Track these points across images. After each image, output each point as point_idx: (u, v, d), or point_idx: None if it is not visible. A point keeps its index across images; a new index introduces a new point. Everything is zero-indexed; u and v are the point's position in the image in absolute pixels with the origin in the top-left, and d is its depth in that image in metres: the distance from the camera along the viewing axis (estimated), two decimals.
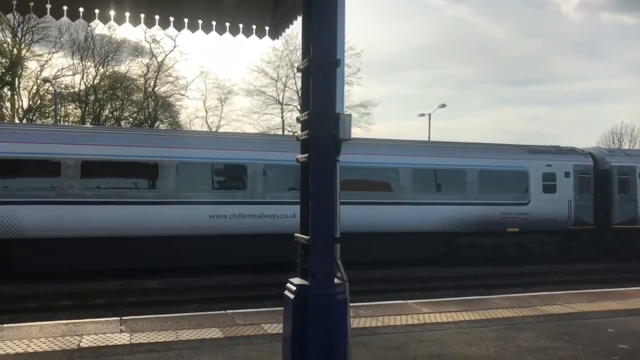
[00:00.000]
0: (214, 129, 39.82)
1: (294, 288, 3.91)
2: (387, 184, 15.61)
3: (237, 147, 14.41)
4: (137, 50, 39.09)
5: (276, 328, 5.97)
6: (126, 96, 39.85)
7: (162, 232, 13.04)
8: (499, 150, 17.55)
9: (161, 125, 40.01)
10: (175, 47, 39.32)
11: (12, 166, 12.52)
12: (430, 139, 30.72)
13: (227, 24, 5.14)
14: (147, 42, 38.50)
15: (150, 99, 40.03)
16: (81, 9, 4.62)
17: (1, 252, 12.22)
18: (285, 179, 14.09)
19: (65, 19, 4.68)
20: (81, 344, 5.57)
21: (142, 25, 4.90)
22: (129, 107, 40.65)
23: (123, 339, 5.79)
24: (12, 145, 12.41)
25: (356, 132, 38.19)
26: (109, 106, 39.81)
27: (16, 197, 12.24)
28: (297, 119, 4.33)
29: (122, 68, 39.04)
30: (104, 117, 38.59)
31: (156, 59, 39.41)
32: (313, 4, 4.04)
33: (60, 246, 12.35)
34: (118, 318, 6.70)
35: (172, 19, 4.96)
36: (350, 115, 4.29)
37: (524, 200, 16.93)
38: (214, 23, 5.09)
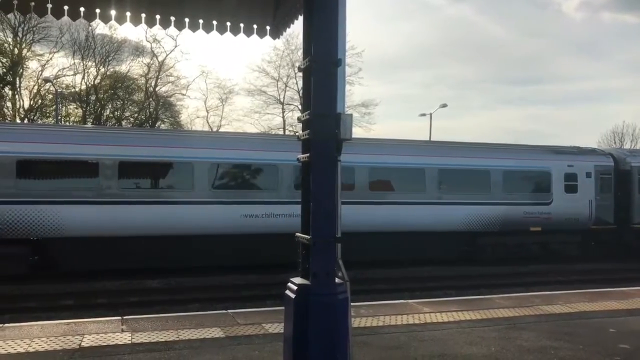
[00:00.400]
0: (215, 129, 39.87)
1: (295, 288, 3.91)
2: (414, 184, 15.84)
3: (269, 149, 14.65)
4: (138, 50, 39.21)
5: (277, 328, 5.97)
6: (127, 96, 39.90)
7: (196, 232, 13.30)
8: (522, 151, 17.82)
9: (162, 125, 40.05)
10: (176, 46, 39.53)
11: (54, 167, 12.84)
12: (432, 139, 30.71)
13: (228, 24, 5.14)
14: (148, 41, 38.62)
15: (151, 99, 40.07)
16: (82, 9, 4.62)
17: (45, 252, 12.56)
18: None
19: (66, 18, 4.68)
20: (82, 344, 5.57)
21: (143, 25, 4.90)
22: (130, 107, 40.72)
23: (124, 338, 5.79)
24: (54, 146, 12.69)
25: (357, 132, 38.19)
26: (110, 106, 39.87)
27: (58, 197, 12.49)
28: (298, 118, 4.33)
29: (123, 68, 39.18)
30: (104, 117, 38.63)
31: (157, 58, 39.52)
32: (314, 4, 4.03)
33: (99, 245, 12.61)
34: (119, 318, 6.71)
35: (173, 18, 4.96)
36: (351, 115, 4.28)
37: (546, 200, 17.15)
38: (214, 22, 5.08)
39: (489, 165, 16.55)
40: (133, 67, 39.37)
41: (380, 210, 15.05)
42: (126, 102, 40.22)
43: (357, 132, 38.13)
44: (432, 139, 29.87)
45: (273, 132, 37.97)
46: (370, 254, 14.30)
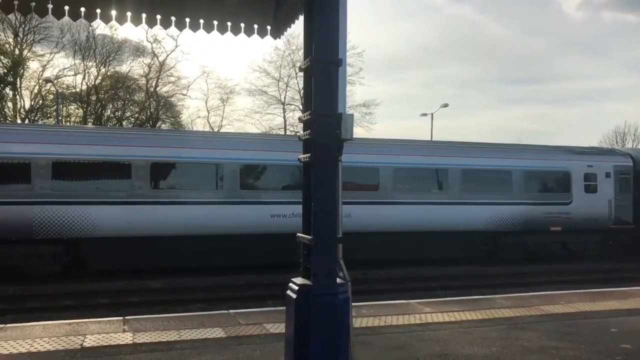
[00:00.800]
0: (216, 129, 39.88)
1: (296, 288, 3.92)
2: (437, 184, 16.04)
3: (293, 150, 14.79)
4: (138, 50, 39.19)
5: (278, 328, 5.97)
6: (128, 96, 39.90)
7: (224, 231, 13.45)
8: (543, 151, 17.97)
9: (163, 125, 40.06)
10: (176, 47, 39.33)
11: (87, 168, 12.97)
12: (433, 139, 30.70)
13: (229, 24, 5.14)
14: (149, 42, 38.60)
15: (152, 99, 40.08)
16: (83, 9, 4.62)
17: (76, 251, 12.80)
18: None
19: (66, 18, 4.69)
20: (84, 344, 5.58)
21: (144, 25, 4.90)
22: (131, 107, 40.72)
23: (126, 338, 5.80)
24: (87, 147, 12.93)
25: (358, 132, 38.20)
26: (110, 106, 39.87)
27: (91, 198, 12.76)
28: (300, 118, 4.32)
29: (123, 68, 39.18)
30: (105, 117, 38.65)
31: (158, 58, 39.50)
32: (314, 4, 4.03)
33: (130, 245, 12.79)
34: (121, 318, 6.72)
35: (173, 18, 4.97)
36: (352, 115, 4.28)
37: (566, 200, 17.29)
38: (215, 22, 5.09)
39: (510, 165, 16.73)
40: (134, 68, 39.45)
41: (404, 210, 15.25)
42: (127, 102, 40.23)
43: (358, 132, 38.15)
44: (433, 139, 29.87)
45: (274, 132, 37.99)
46: (393, 253, 14.69)
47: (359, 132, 38.01)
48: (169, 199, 13.40)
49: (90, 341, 5.67)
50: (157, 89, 39.99)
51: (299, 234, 4.17)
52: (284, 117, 40.29)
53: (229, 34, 5.20)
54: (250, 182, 14.44)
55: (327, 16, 4.00)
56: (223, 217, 13.59)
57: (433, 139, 29.52)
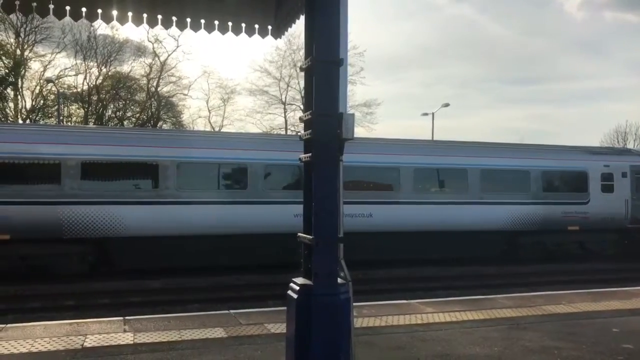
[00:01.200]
0: (217, 129, 39.89)
1: (297, 288, 3.91)
2: (457, 184, 16.20)
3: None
4: (139, 50, 39.19)
5: (279, 328, 5.97)
6: (129, 96, 39.93)
7: (250, 230, 13.62)
8: (560, 151, 18.12)
9: (164, 125, 40.08)
10: (177, 47, 39.29)
11: (113, 168, 13.19)
12: (434, 139, 30.67)
13: (230, 24, 5.13)
14: (150, 42, 38.61)
15: (153, 99, 40.09)
16: (84, 9, 4.62)
17: (103, 250, 13.01)
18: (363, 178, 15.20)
19: (67, 19, 4.68)
20: (85, 344, 5.58)
21: (145, 25, 4.90)
22: (132, 107, 40.75)
23: (127, 338, 5.80)
24: (114, 148, 13.12)
25: (359, 131, 38.18)
26: (111, 106, 39.92)
27: (117, 198, 12.95)
28: (300, 118, 4.32)
29: (124, 68, 39.17)
30: (106, 117, 38.68)
31: (159, 58, 39.52)
32: (315, 4, 4.02)
33: (156, 244, 12.95)
34: (122, 318, 6.71)
35: (174, 18, 4.96)
36: (353, 114, 4.26)
37: (583, 199, 17.42)
38: (216, 22, 5.08)
39: (528, 165, 16.88)
40: (135, 68, 39.44)
41: (423, 210, 15.44)
42: (128, 102, 40.25)
43: (359, 131, 38.14)
44: (434, 139, 29.84)
45: (275, 132, 37.98)
46: (412, 253, 14.84)
47: (360, 131, 38.02)
48: (195, 199, 13.58)
49: (91, 341, 5.67)
50: (158, 89, 40.02)
51: (299, 234, 4.16)
52: (285, 117, 40.30)
53: (230, 34, 5.19)
54: (275, 182, 14.62)
55: (328, 16, 3.99)
56: (250, 217, 13.78)
57: (434, 139, 29.49)
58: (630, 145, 46.66)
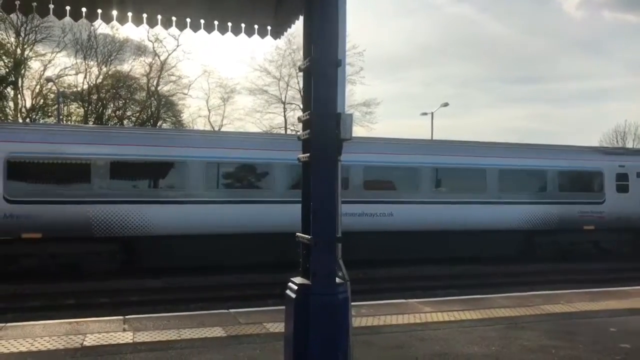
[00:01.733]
0: (216, 128, 39.91)
1: (296, 287, 3.92)
2: (475, 184, 16.48)
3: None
4: (140, 50, 39.21)
5: (278, 327, 5.98)
6: (129, 95, 39.94)
7: (271, 229, 13.78)
8: (576, 152, 18.36)
9: (164, 125, 40.09)
10: (178, 46, 39.28)
11: (141, 168, 13.66)
12: (433, 138, 30.67)
13: (229, 24, 5.14)
14: (150, 41, 38.62)
15: (153, 98, 40.10)
16: (84, 9, 4.63)
17: (130, 249, 13.36)
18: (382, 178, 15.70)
19: (68, 19, 4.70)
20: (85, 343, 5.60)
21: (145, 25, 4.91)
22: (132, 106, 40.78)
23: (126, 337, 5.82)
24: (141, 148, 13.43)
25: (359, 131, 38.19)
26: (111, 105, 39.96)
27: (145, 197, 13.35)
28: (299, 118, 4.33)
29: (125, 67, 39.22)
30: (106, 117, 38.70)
31: (159, 58, 39.53)
32: (314, 4, 4.04)
33: (183, 242, 13.32)
34: (121, 317, 6.73)
35: (174, 18, 4.96)
36: (351, 115, 4.28)
37: (599, 199, 17.63)
38: (216, 23, 5.09)
39: (545, 165, 17.12)
40: (135, 67, 39.46)
41: (445, 209, 15.72)
42: (128, 101, 40.27)
43: (359, 131, 38.15)
44: (433, 138, 29.85)
45: (275, 132, 37.98)
46: (433, 252, 15.15)
47: (359, 131, 38.06)
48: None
49: (90, 340, 5.69)
50: (158, 88, 40.02)
51: (298, 234, 4.17)
52: (285, 116, 40.28)
53: (229, 34, 5.20)
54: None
55: (326, 16, 4.00)
56: (274, 216, 13.99)
57: (434, 138, 29.49)
58: (629, 145, 46.78)
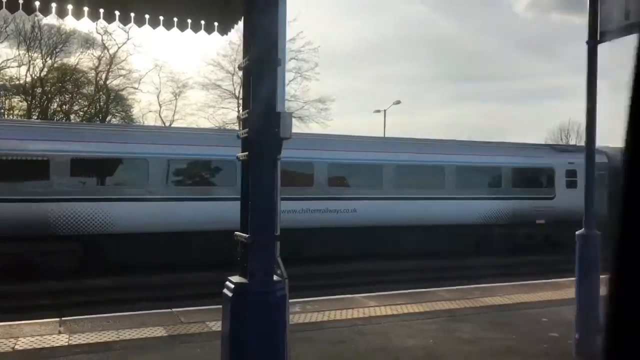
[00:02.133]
0: (167, 124, 39.06)
1: (232, 286, 3.93)
2: (434, 180, 17.01)
3: (304, 147, 15.26)
4: (87, 42, 37.77)
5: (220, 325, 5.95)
6: (76, 89, 38.43)
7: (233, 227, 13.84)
8: (529, 149, 19.29)
9: (113, 120, 38.85)
10: (128, 39, 38.12)
11: (102, 165, 13.44)
12: (386, 135, 31.15)
13: (175, 19, 5.08)
14: (99, 33, 37.26)
15: (101, 93, 38.77)
16: (37, 3, 4.49)
17: (96, 248, 13.13)
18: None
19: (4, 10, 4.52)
20: (16, 347, 5.40)
21: (86, 19, 4.78)
22: (79, 100, 39.29)
23: (61, 340, 5.65)
24: (98, 145, 13.16)
25: (314, 127, 38.29)
26: (57, 99, 38.34)
27: (108, 195, 13.18)
28: (238, 117, 4.34)
29: (71, 60, 37.64)
30: (52, 111, 37.13)
31: (108, 51, 38.22)
32: (253, 3, 4.04)
33: (146, 240, 13.15)
34: (57, 319, 6.53)
35: (117, 13, 4.86)
36: (291, 113, 4.32)
37: (550, 195, 18.66)
38: (161, 18, 5.02)
39: (500, 162, 17.95)
40: (82, 60, 37.97)
41: (406, 205, 16.22)
42: (75, 95, 38.76)
43: (314, 127, 38.24)
44: (386, 136, 30.32)
45: (228, 127, 37.55)
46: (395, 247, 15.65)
47: (314, 127, 38.15)
48: (192, 195, 13.95)
49: (22, 344, 5.50)
50: (107, 82, 38.73)
51: (236, 232, 4.17)
52: (238, 111, 39.80)
53: (175, 29, 5.15)
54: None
55: (265, 15, 4.01)
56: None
57: (386, 136, 29.96)
58: (572, 142, 49.04)
